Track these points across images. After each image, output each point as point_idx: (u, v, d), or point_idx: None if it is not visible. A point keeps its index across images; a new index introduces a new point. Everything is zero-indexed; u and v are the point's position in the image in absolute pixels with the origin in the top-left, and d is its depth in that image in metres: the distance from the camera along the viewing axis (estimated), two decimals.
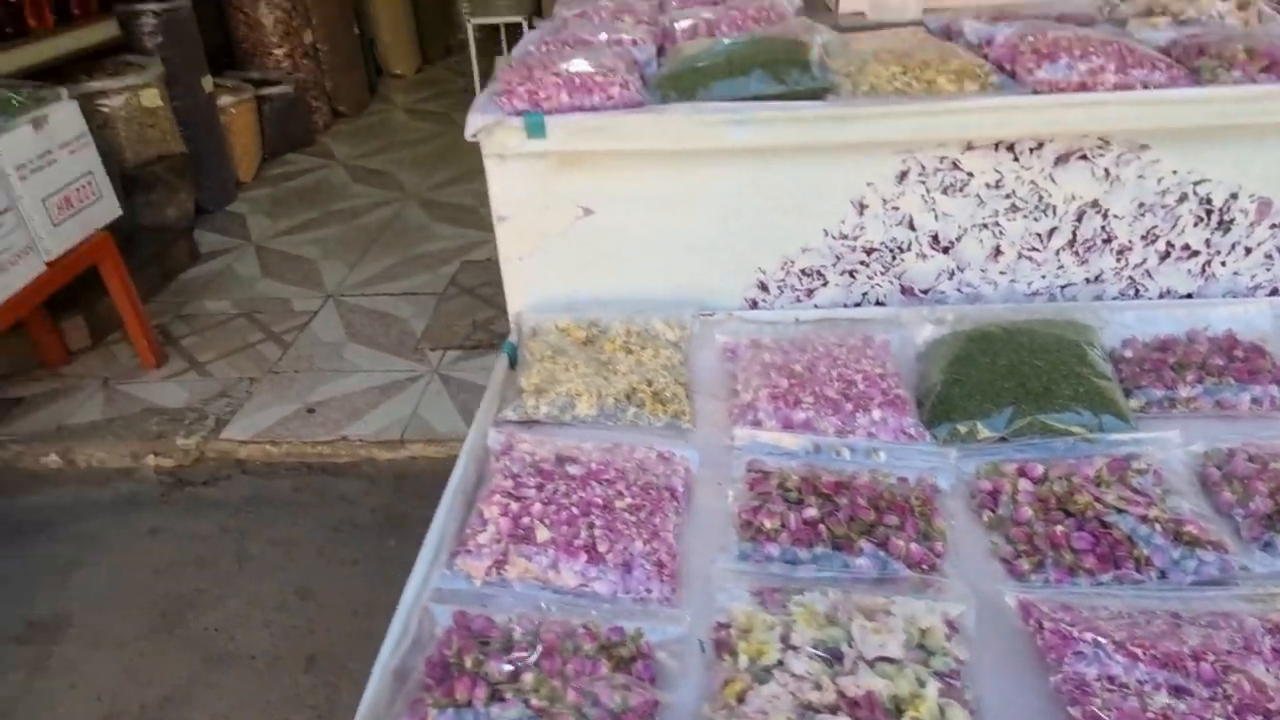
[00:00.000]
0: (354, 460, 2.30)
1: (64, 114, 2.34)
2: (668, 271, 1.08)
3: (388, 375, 2.55)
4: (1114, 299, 1.14)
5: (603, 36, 1.19)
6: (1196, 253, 1.12)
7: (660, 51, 1.20)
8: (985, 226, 1.08)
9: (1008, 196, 1.06)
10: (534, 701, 0.65)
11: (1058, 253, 1.10)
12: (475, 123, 1.01)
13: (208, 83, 3.65)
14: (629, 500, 0.82)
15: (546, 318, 1.06)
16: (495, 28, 4.81)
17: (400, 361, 2.61)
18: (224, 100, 3.82)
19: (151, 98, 3.21)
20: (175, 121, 3.36)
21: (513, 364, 1.05)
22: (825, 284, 1.08)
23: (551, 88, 1.04)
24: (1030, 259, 1.10)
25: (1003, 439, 0.90)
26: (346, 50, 4.87)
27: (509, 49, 4.50)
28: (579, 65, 1.06)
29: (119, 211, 2.53)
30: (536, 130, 1.00)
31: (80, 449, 2.35)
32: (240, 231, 3.56)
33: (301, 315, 2.89)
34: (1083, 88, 1.01)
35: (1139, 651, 0.65)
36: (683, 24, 1.23)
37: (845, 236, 1.05)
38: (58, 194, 2.29)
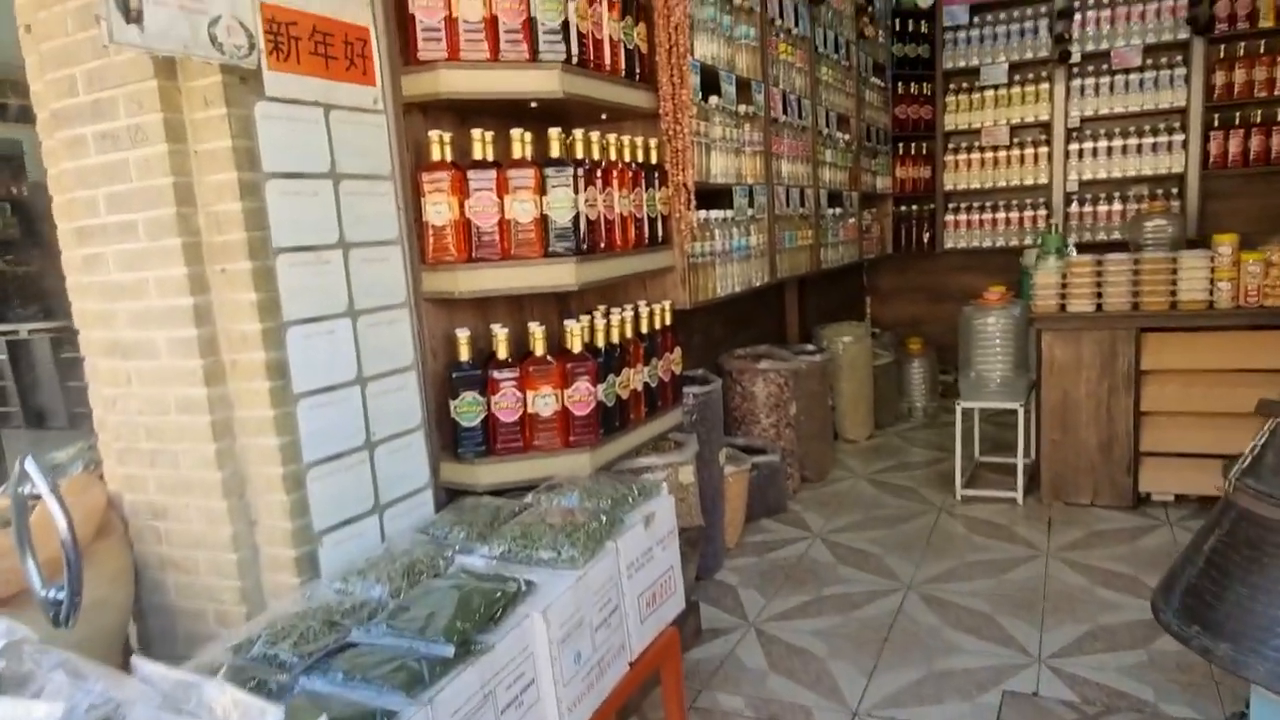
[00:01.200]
0: None
1: (664, 509, 2.40)
2: None
3: None
4: None
5: None
6: None
7: None
8: None
9: None
10: None
11: None
12: None
13: (722, 455, 3.80)
14: None
15: None
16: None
17: None
18: (727, 469, 3.95)
19: (687, 474, 3.35)
20: (699, 495, 3.46)
21: None
22: None
23: None
24: None
25: None
26: (819, 420, 4.98)
27: (977, 428, 4.23)
28: None
29: (683, 604, 2.50)
30: None
31: None
32: (735, 607, 3.47)
33: None
34: None
35: None
36: None
37: None
38: (648, 590, 2.28)
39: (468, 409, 2.41)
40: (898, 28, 6.30)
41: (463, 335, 2.40)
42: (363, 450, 2.18)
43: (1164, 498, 4.19)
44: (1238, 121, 5.74)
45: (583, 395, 2.50)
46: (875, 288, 7.15)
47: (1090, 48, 5.99)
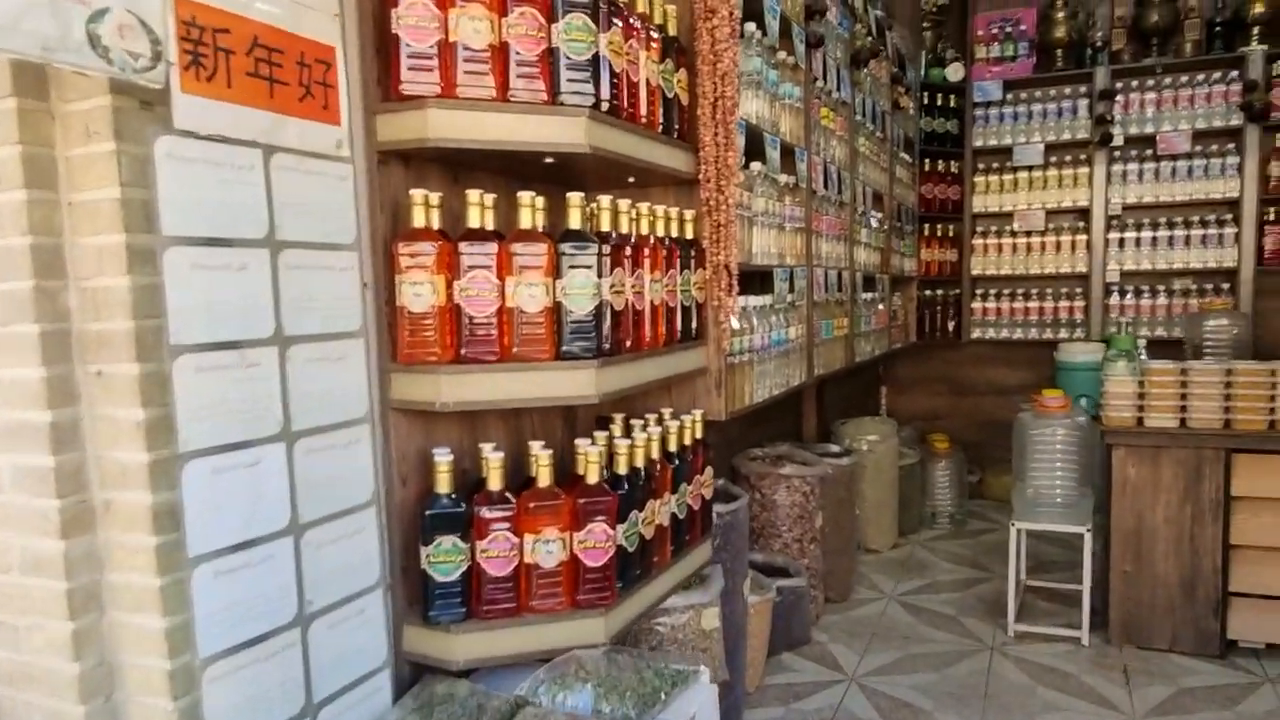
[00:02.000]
0: None
1: (705, 705, 1.78)
2: None
3: None
4: None
5: None
6: None
7: None
8: None
9: None
10: None
11: None
12: None
13: (749, 587, 3.18)
14: None
15: None
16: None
17: None
18: (750, 599, 3.31)
19: (711, 618, 2.72)
20: (723, 642, 2.83)
21: None
22: None
23: None
24: None
25: None
26: (846, 532, 4.37)
27: (1015, 552, 3.60)
28: None
29: None
30: None
31: None
32: None
33: None
34: None
35: None
36: None
37: None
38: None
39: (445, 559, 1.79)
40: (925, 101, 5.88)
41: (442, 459, 1.79)
42: (292, 629, 1.55)
43: (1253, 645, 3.59)
44: None
45: (598, 540, 1.89)
46: (892, 378, 6.60)
47: (1134, 131, 5.58)
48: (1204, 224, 5.46)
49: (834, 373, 3.89)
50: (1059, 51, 5.79)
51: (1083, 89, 5.73)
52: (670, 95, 2.21)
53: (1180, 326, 5.16)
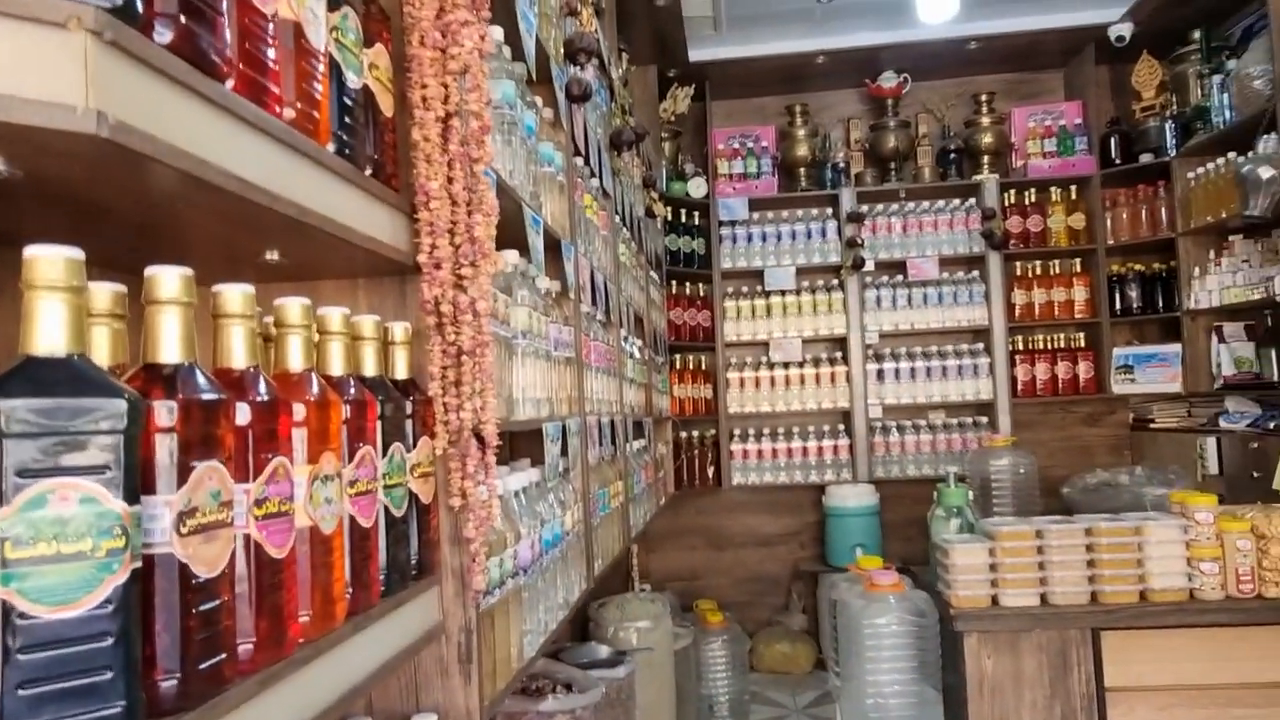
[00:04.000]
0: None
1: None
2: None
3: None
4: None
5: None
6: None
7: None
8: None
9: None
10: None
11: None
12: None
13: None
14: None
15: None
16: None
17: None
18: None
19: None
20: None
21: None
22: None
23: None
24: None
25: None
26: None
27: None
28: None
29: None
30: None
31: None
32: None
33: None
34: None
35: None
36: None
37: None
38: None
39: None
40: (669, 217, 5.21)
41: None
42: None
43: None
44: (1041, 345, 5.16)
45: None
46: (642, 533, 5.62)
47: (884, 255, 5.25)
48: (958, 354, 5.16)
49: (613, 560, 2.78)
50: (802, 170, 5.40)
51: (829, 210, 5.35)
52: (355, 85, 1.07)
53: (964, 465, 4.68)
